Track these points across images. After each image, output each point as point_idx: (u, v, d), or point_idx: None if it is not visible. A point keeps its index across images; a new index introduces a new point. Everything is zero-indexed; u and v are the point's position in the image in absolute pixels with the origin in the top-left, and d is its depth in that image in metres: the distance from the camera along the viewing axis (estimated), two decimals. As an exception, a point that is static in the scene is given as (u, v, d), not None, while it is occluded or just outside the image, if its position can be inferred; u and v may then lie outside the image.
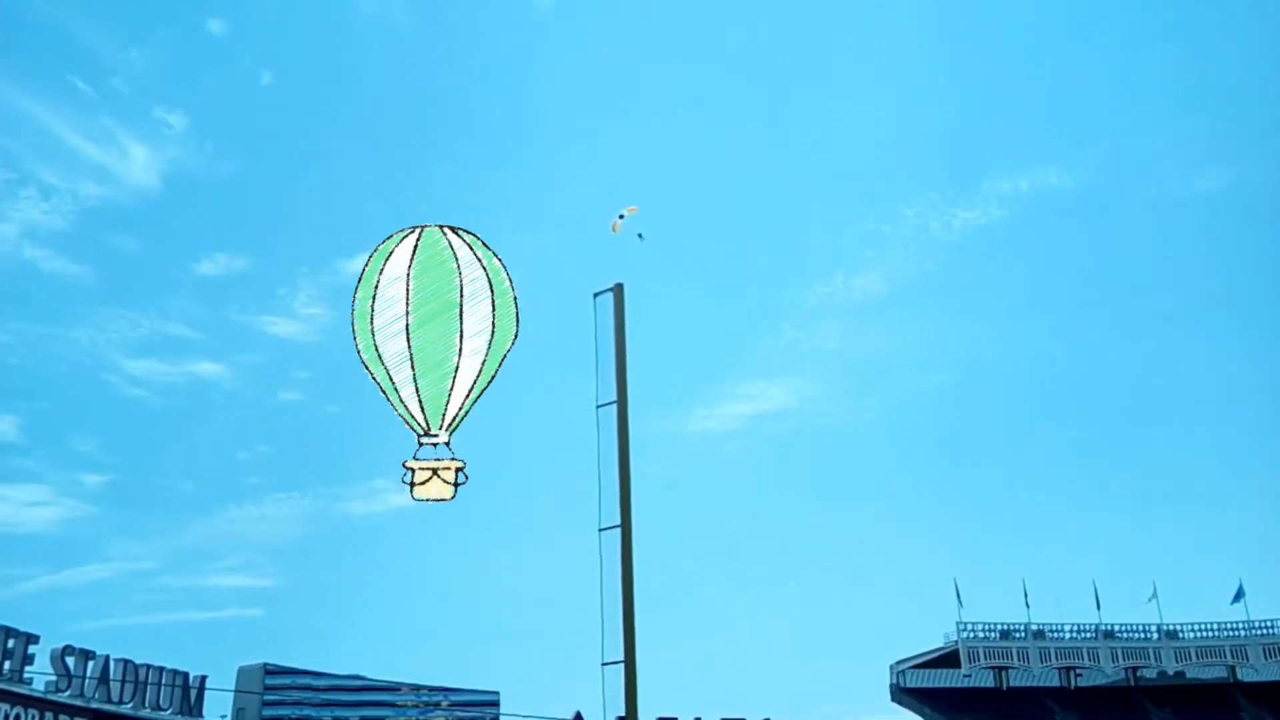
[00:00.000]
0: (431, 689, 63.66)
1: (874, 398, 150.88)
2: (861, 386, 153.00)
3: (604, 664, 23.07)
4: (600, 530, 23.51)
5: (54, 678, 50.02)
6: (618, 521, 23.36)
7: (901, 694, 75.32)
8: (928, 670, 75.71)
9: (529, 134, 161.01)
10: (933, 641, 76.18)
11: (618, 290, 24.81)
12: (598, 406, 24.02)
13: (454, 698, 63.77)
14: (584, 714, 66.15)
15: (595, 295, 24.69)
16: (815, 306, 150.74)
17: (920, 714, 74.92)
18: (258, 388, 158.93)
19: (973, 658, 73.91)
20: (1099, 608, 75.51)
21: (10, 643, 47.82)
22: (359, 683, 62.27)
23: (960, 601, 74.68)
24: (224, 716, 58.14)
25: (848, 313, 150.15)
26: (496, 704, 64.57)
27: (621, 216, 40.35)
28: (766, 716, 71.08)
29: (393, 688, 62.74)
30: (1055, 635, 75.68)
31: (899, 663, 76.04)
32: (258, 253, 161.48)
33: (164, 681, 54.83)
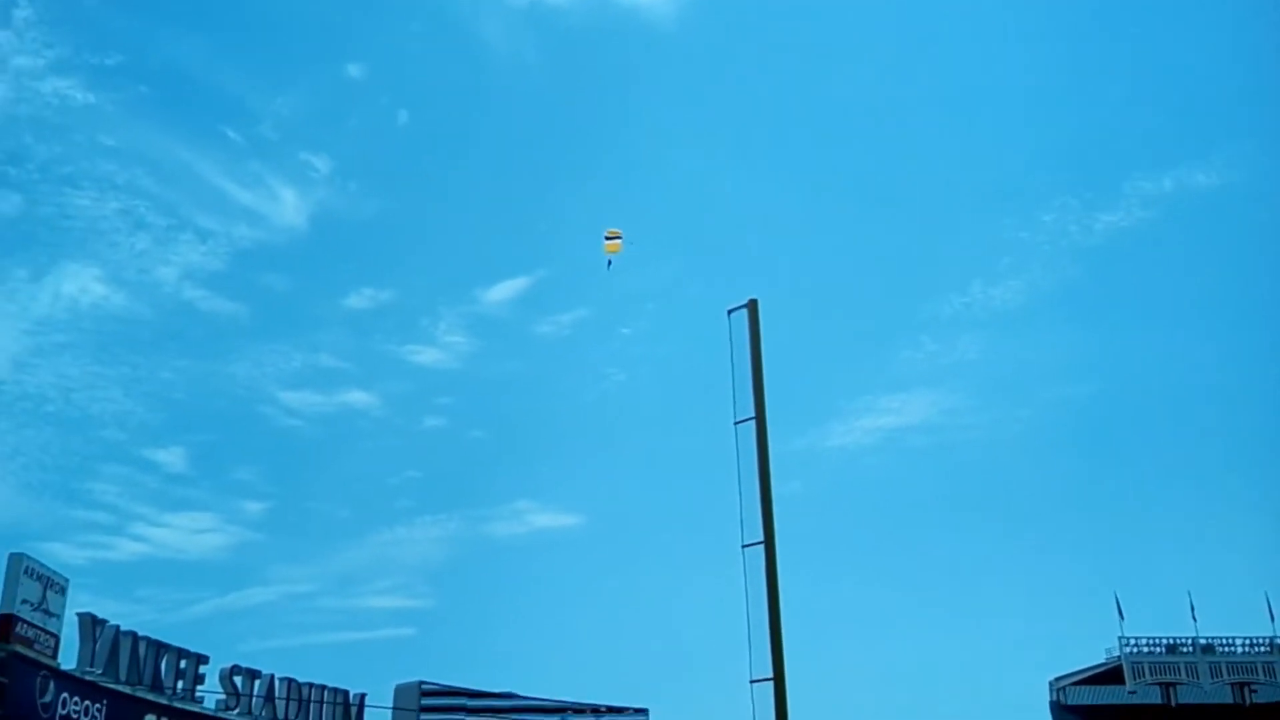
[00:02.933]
0: (582, 706, 64.21)
1: (1019, 409, 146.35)
2: (1005, 398, 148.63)
3: (753, 681, 23.01)
4: (743, 547, 23.50)
5: (223, 696, 52.19)
6: (760, 538, 23.32)
7: (1062, 711, 72.82)
8: (1090, 687, 73.05)
9: (657, 159, 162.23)
10: (1094, 657, 73.56)
11: (752, 306, 24.83)
12: (736, 423, 24.07)
13: (605, 715, 64.19)
14: (734, 732, 66.14)
15: (730, 312, 24.79)
16: (953, 317, 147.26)
17: (1084, 732, 72.34)
18: (404, 415, 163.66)
19: (1137, 674, 71.00)
20: (1272, 619, 71.78)
21: (183, 663, 50.12)
22: (511, 701, 63.21)
23: (1122, 615, 71.91)
24: (383, 733, 59.90)
25: (987, 323, 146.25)
26: (646, 721, 64.78)
27: (608, 238, 40.92)
28: (920, 735, 69.87)
29: (544, 705, 63.49)
30: (1226, 650, 72.12)
31: (1059, 679, 73.56)
32: (401, 285, 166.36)
33: (326, 699, 56.67)
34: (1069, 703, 72.91)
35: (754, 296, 24.98)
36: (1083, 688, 73.16)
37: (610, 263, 42.02)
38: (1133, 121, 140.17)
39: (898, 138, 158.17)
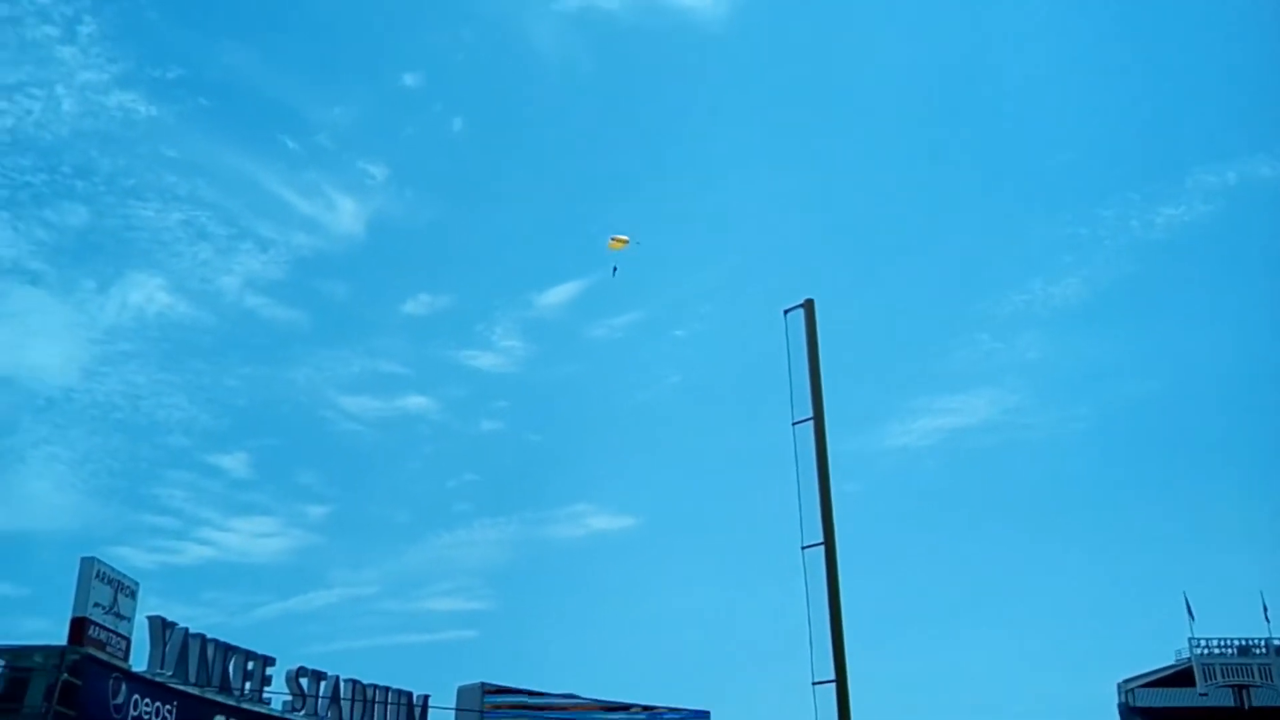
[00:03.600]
0: (643, 708, 64.25)
1: (1083, 408, 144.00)
2: (1068, 397, 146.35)
3: (815, 683, 22.87)
4: (803, 548, 23.37)
5: (289, 697, 52.95)
6: (820, 539, 23.18)
7: (1131, 714, 71.50)
8: (1159, 689, 71.64)
9: (709, 159, 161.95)
10: (1163, 659, 72.11)
11: (809, 306, 24.69)
12: (794, 423, 23.94)
13: (665, 716, 64.16)
14: (796, 734, 65.75)
15: (786, 312, 24.66)
16: (1013, 315, 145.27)
17: (1153, 735, 70.97)
18: (462, 419, 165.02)
19: (1209, 675, 69.41)
20: (1348, 620, 69.78)
21: (250, 665, 50.93)
22: (572, 701, 63.41)
23: (1192, 616, 70.36)
24: (446, 734, 60.39)
25: (1048, 320, 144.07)
26: (707, 723, 64.64)
27: (612, 239, 41.33)
28: (986, 737, 68.99)
29: (605, 706, 63.62)
30: (1301, 651, 70.22)
31: (1127, 681, 72.24)
32: (457, 291, 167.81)
33: (390, 700, 57.26)
34: (1138, 705, 71.57)
35: (810, 296, 24.85)
36: (1152, 690, 71.79)
37: (616, 269, 42.82)
38: (1195, 113, 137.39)
39: (954, 135, 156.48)
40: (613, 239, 41.30)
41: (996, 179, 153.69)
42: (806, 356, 24.16)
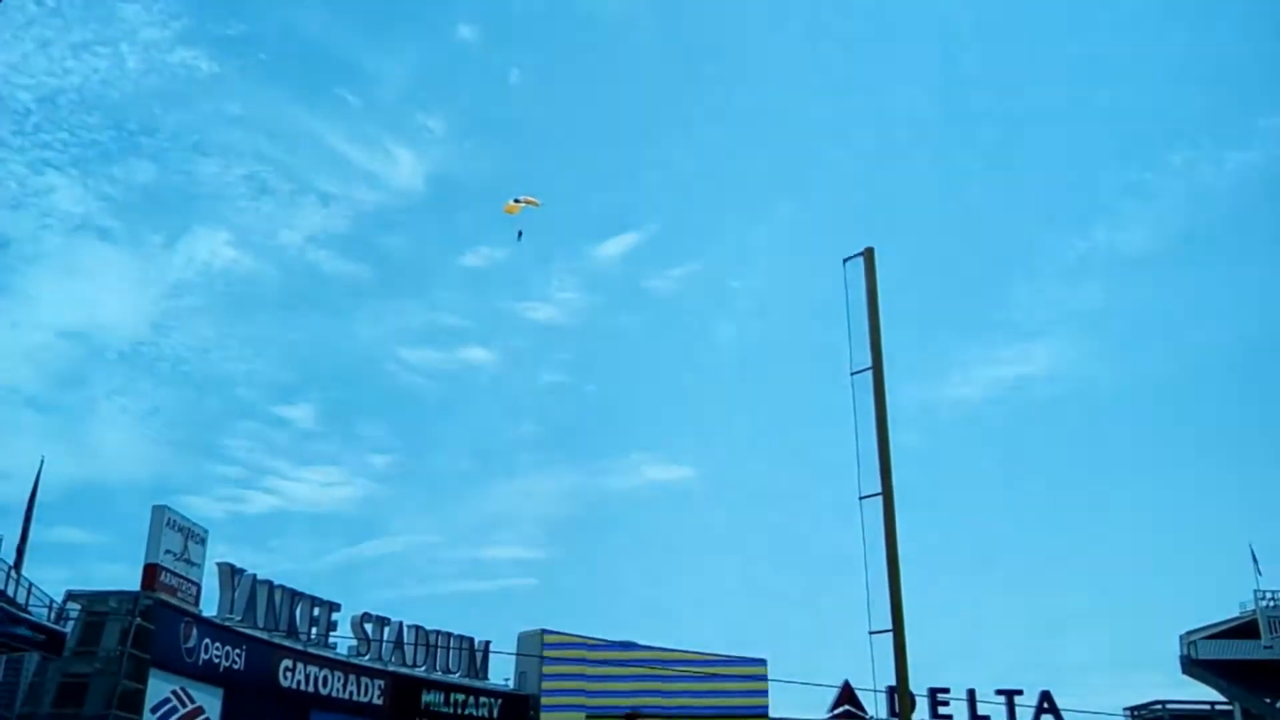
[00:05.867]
0: (700, 655, 64.80)
1: (1147, 357, 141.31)
2: (1132, 346, 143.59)
3: (871, 632, 22.89)
4: (861, 499, 23.31)
5: (355, 642, 54.17)
6: (878, 489, 23.10)
7: (1194, 666, 70.71)
8: (1223, 641, 70.70)
9: (768, 109, 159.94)
10: (1227, 611, 71.10)
11: (868, 255, 24.43)
12: (852, 373, 23.79)
13: (722, 664, 64.71)
14: (852, 683, 65.77)
15: (845, 261, 24.41)
16: (1076, 264, 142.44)
17: (1216, 687, 70.13)
18: (522, 370, 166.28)
19: (1274, 628, 68.37)
20: None
21: (316, 611, 52.12)
22: (630, 649, 64.12)
23: (1258, 569, 69.30)
24: (507, 679, 61.36)
25: (1112, 269, 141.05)
26: (764, 671, 65.03)
27: (517, 201, 40.87)
28: (1045, 689, 68.59)
29: (662, 653, 64.24)
30: (1368, 604, 68.95)
31: (1190, 633, 71.39)
32: (516, 243, 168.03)
33: (452, 645, 58.35)
34: (1200, 657, 70.77)
35: (870, 245, 24.56)
36: (1215, 642, 70.87)
37: (520, 234, 42.88)
38: (1265, 56, 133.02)
39: (1016, 79, 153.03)
40: (515, 201, 41.42)
41: (1060, 125, 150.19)
42: (866, 306, 23.93)
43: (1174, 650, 72.02)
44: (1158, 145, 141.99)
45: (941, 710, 66.67)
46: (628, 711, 62.33)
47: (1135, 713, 71.29)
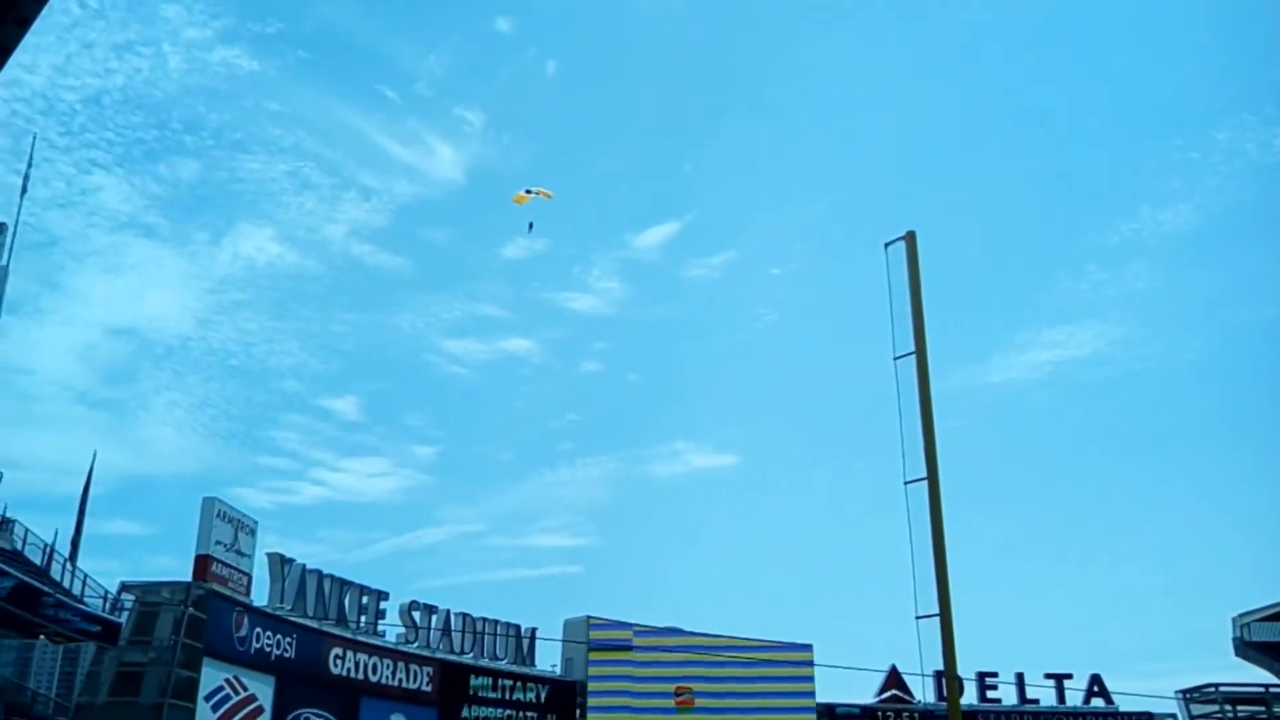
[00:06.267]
0: (746, 641, 64.78)
1: (1195, 337, 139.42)
2: (1180, 326, 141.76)
3: (919, 617, 22.81)
4: (906, 483, 23.19)
5: (403, 630, 54.68)
6: (923, 474, 22.96)
7: (1247, 649, 69.85)
8: (1277, 624, 69.80)
9: (805, 94, 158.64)
10: (1280, 593, 70.23)
11: (910, 239, 24.23)
12: (895, 358, 23.64)
13: (768, 649, 64.65)
14: (899, 667, 65.54)
15: (886, 245, 24.22)
16: (1120, 245, 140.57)
17: (1270, 670, 69.23)
18: (563, 360, 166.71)
19: (1330, 610, 67.44)
20: None
21: (364, 599, 52.63)
22: (676, 635, 64.23)
23: (1313, 549, 68.26)
24: (554, 665, 61.72)
25: (1158, 249, 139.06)
26: (811, 656, 64.92)
27: (528, 191, 40.38)
28: (1095, 672, 68.01)
29: (708, 639, 64.31)
30: None
31: (1243, 615, 70.51)
32: (555, 234, 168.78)
33: (499, 632, 58.75)
34: (1254, 639, 69.89)
35: (911, 228, 24.34)
36: (1269, 624, 69.96)
37: (531, 225, 42.42)
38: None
39: (1057, 56, 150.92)
40: (526, 192, 41.17)
41: (1103, 104, 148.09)
42: (908, 290, 23.73)
43: (1227, 633, 71.18)
44: (1203, 124, 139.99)
45: (990, 694, 66.32)
46: (680, 693, 62.56)
47: (1188, 696, 70.48)
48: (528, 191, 41.71)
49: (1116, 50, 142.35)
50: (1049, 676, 66.54)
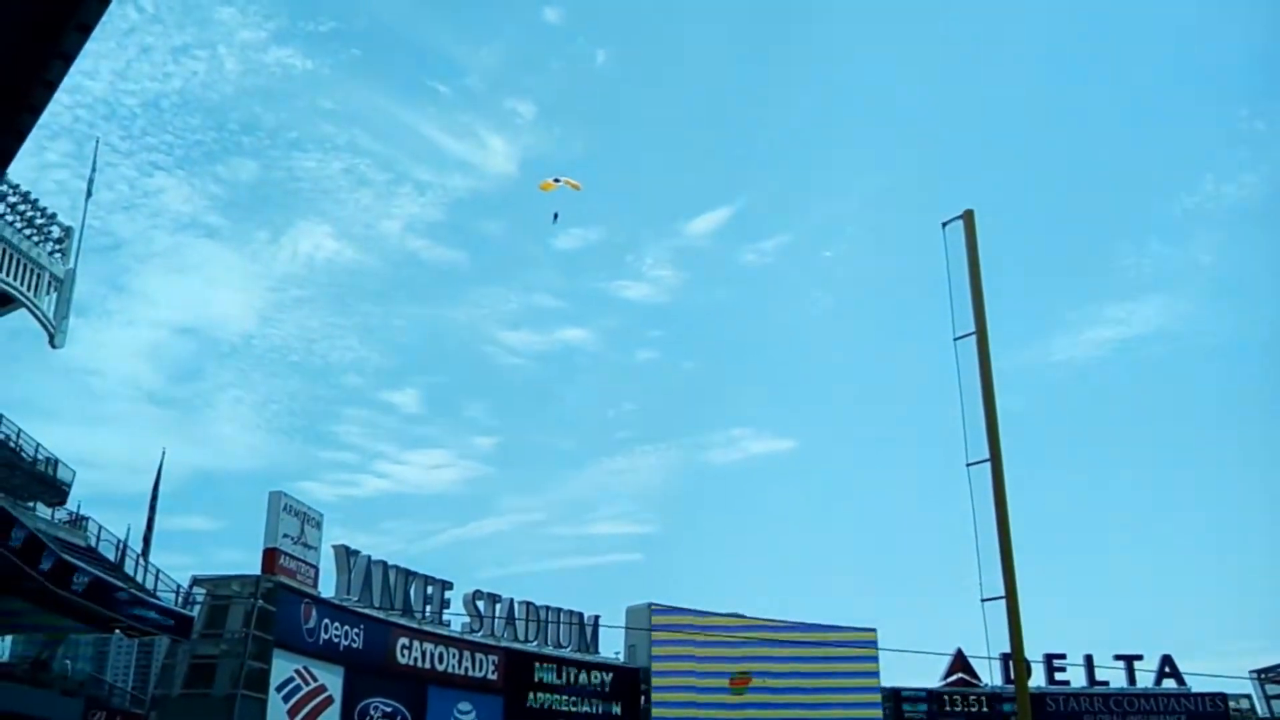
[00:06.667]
0: (809, 625, 64.53)
1: (1265, 310, 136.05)
2: (1248, 300, 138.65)
3: (984, 600, 22.58)
4: (968, 465, 22.94)
5: (468, 619, 55.19)
6: (986, 455, 22.70)
7: (1324, 627, 68.39)
8: (1355, 600, 68.18)
9: (858, 76, 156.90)
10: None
11: (968, 217, 23.91)
12: (955, 339, 23.37)
13: (832, 634, 64.36)
14: (965, 651, 64.94)
15: (944, 224, 23.92)
16: (1183, 217, 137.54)
17: (1349, 648, 67.72)
18: (618, 349, 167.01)
19: None
20: None
21: (429, 590, 53.20)
22: (738, 620, 64.17)
23: (1391, 524, 66.52)
24: (617, 652, 61.98)
25: (1223, 221, 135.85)
26: (875, 640, 64.55)
27: (556, 180, 39.48)
28: (1166, 653, 66.91)
29: (771, 624, 64.16)
30: None
31: (1319, 593, 69.04)
32: (608, 223, 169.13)
33: (563, 620, 59.10)
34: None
35: (969, 207, 24.02)
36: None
37: (556, 215, 41.55)
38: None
39: (1117, 27, 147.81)
40: (554, 180, 40.42)
41: (1164, 73, 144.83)
42: (967, 269, 23.43)
43: (1301, 612, 69.71)
44: (1268, 91, 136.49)
45: (1058, 676, 65.51)
46: (735, 675, 62.57)
47: (1263, 676, 69.09)
48: (555, 180, 41.28)
49: (1179, 19, 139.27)
50: (1119, 658, 65.57)
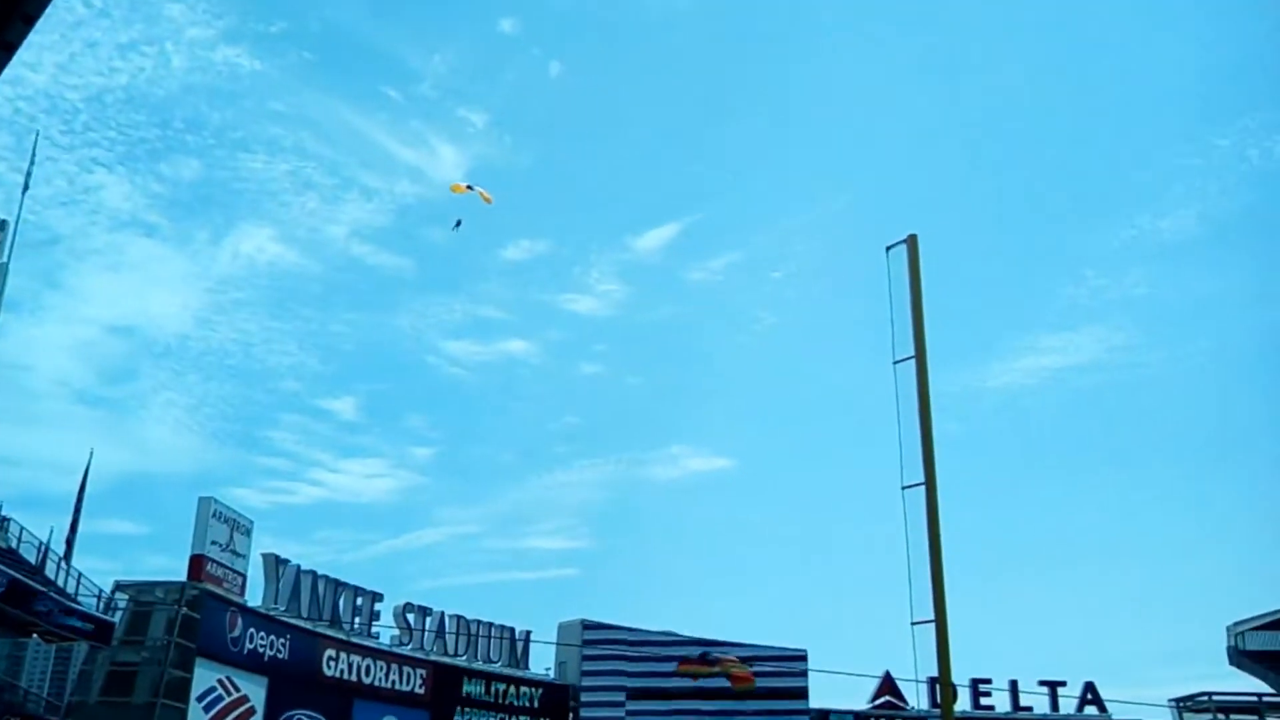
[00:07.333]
0: (740, 646, 64.64)
1: (1195, 344, 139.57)
2: (1180, 333, 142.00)
3: (914, 623, 22.76)
4: (903, 488, 23.15)
5: (397, 632, 54.55)
6: (921, 479, 22.92)
7: (1241, 658, 69.77)
8: (1272, 633, 69.71)
9: (807, 99, 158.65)
10: (1276, 601, 70.19)
11: (911, 242, 24.20)
12: (895, 362, 23.60)
13: (762, 654, 64.52)
14: (893, 673, 65.41)
15: (888, 249, 24.19)
16: (1120, 250, 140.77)
17: (1264, 679, 69.21)
18: (562, 362, 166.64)
19: (1325, 619, 67.34)
20: None
21: (359, 601, 52.52)
22: (671, 638, 64.07)
23: (1307, 558, 68.26)
24: (548, 669, 61.62)
25: (1158, 255, 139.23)
26: (805, 662, 64.81)
27: (470, 187, 39.50)
28: (1089, 680, 67.91)
29: (703, 644, 64.14)
30: None
31: (1238, 624, 70.42)
32: (555, 236, 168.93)
33: (493, 635, 58.62)
34: (1248, 648, 69.80)
35: (913, 232, 24.32)
36: (1264, 633, 69.89)
37: (459, 222, 40.97)
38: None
39: (1058, 63, 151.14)
40: (467, 187, 39.86)
41: (1103, 109, 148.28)
42: (909, 294, 23.69)
43: (1221, 641, 71.12)
44: (1204, 128, 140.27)
45: (984, 701, 66.22)
46: (701, 654, 62.71)
47: (1181, 704, 70.38)
48: (469, 187, 40.43)
49: (1118, 57, 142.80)
50: (1043, 683, 66.40)
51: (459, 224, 40.89)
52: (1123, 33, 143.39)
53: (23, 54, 11.47)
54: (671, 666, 63.00)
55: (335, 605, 51.02)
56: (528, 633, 60.14)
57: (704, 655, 63.29)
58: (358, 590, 52.52)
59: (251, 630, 45.94)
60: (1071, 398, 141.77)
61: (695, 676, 62.80)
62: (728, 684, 63.25)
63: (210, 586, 44.01)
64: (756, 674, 63.80)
